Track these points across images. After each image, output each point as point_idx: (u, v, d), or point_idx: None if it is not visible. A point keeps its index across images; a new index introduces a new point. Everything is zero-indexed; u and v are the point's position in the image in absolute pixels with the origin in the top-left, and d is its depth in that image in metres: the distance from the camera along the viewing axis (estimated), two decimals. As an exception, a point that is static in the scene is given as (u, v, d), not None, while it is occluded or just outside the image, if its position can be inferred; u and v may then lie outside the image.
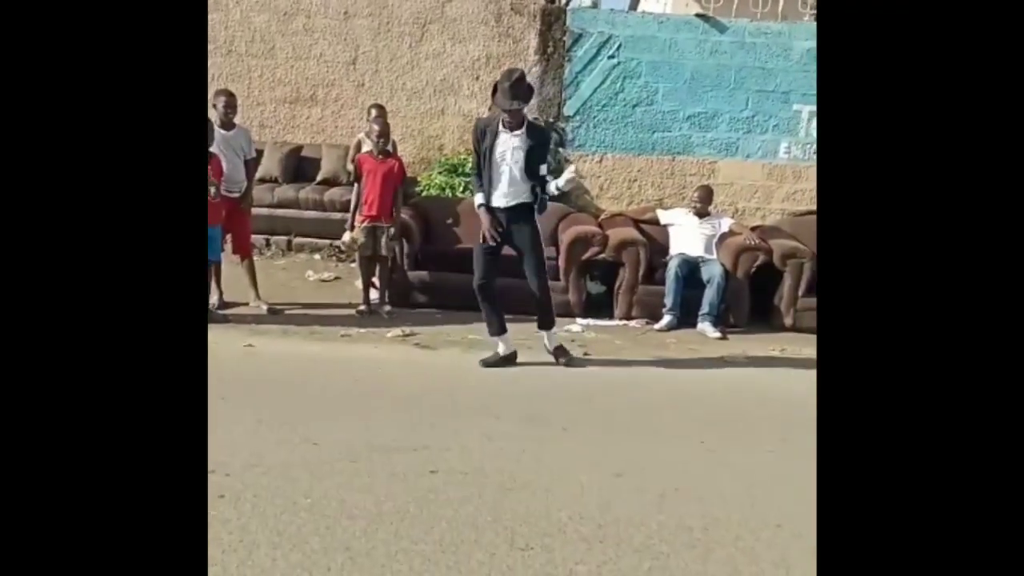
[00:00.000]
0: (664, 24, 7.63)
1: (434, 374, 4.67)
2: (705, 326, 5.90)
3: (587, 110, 7.64)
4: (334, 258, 7.26)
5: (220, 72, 7.90)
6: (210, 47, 7.88)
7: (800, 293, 6.02)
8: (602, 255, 6.14)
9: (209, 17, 7.82)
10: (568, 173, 4.84)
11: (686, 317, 5.98)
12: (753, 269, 6.08)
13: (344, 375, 4.50)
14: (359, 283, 6.03)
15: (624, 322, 6.08)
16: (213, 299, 5.61)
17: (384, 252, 5.84)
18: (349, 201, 6.07)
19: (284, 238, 7.46)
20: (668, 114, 7.60)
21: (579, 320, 5.99)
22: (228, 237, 5.81)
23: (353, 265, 6.37)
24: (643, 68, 7.54)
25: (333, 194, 7.27)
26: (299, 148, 7.79)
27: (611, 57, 7.54)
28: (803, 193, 7.53)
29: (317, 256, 7.38)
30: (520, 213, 4.71)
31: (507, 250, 4.83)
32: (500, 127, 4.63)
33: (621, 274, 6.16)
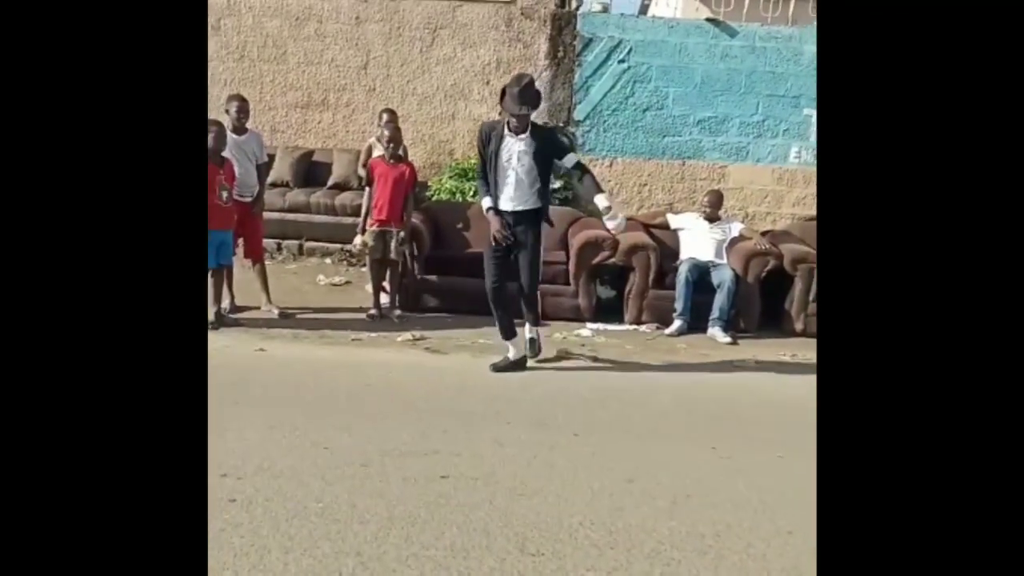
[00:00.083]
0: (674, 29, 7.63)
1: (444, 378, 4.67)
2: (715, 331, 5.89)
3: (597, 114, 7.65)
4: (345, 262, 7.29)
5: (232, 77, 7.95)
6: (223, 52, 7.94)
7: (811, 298, 6.00)
8: (612, 259, 6.14)
9: (222, 22, 7.89)
10: (617, 217, 4.75)
11: (696, 322, 5.97)
12: (763, 274, 6.06)
13: (355, 379, 4.51)
14: (369, 287, 6.04)
15: (634, 327, 6.07)
16: (225, 303, 5.63)
17: (394, 256, 5.85)
18: (360, 206, 6.09)
19: (295, 242, 7.49)
20: (678, 118, 7.60)
21: (589, 324, 5.99)
22: (240, 241, 5.83)
23: (364, 269, 6.39)
24: (653, 72, 7.55)
25: (344, 198, 7.30)
26: (310, 153, 7.82)
27: (621, 62, 7.55)
28: (813, 198, 7.50)
29: (328, 260, 7.41)
30: (526, 217, 4.72)
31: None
32: (505, 131, 4.64)
33: (631, 278, 6.16)
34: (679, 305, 5.98)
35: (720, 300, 5.92)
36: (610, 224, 4.73)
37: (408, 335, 5.45)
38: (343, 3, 7.82)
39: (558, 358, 5.15)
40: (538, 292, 4.91)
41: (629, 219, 6.82)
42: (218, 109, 6.49)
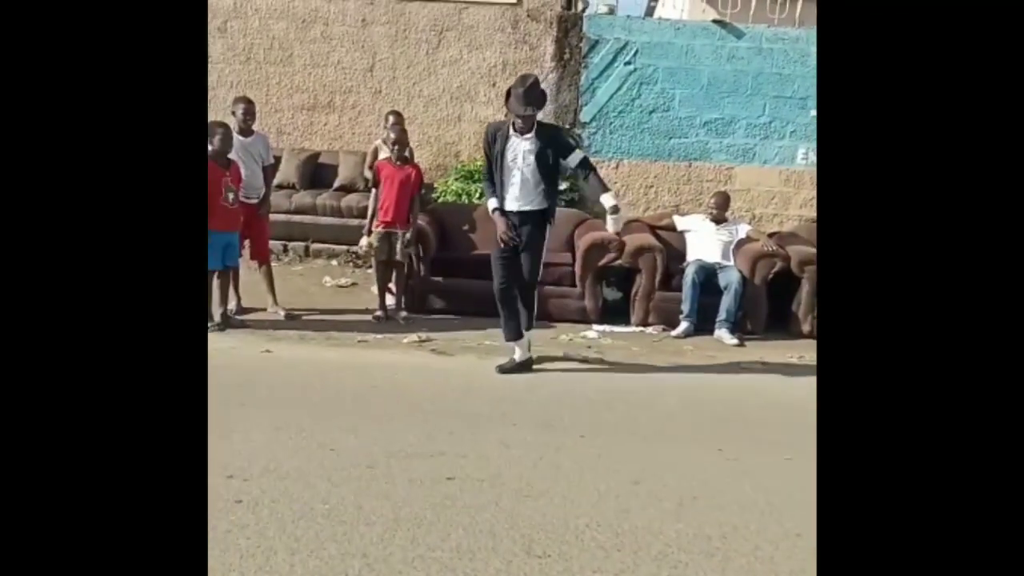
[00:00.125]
0: (681, 30, 7.63)
1: (450, 380, 4.67)
2: (722, 333, 5.87)
3: (604, 116, 7.64)
4: (351, 264, 7.29)
5: (239, 79, 7.98)
6: (229, 54, 7.97)
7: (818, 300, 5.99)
8: (619, 261, 6.13)
9: (228, 25, 7.91)
10: (616, 217, 4.77)
11: (703, 324, 5.96)
12: (771, 276, 6.05)
13: (361, 381, 4.51)
14: (375, 289, 6.05)
15: (641, 328, 6.06)
16: (231, 305, 5.64)
17: (400, 258, 5.86)
18: (366, 207, 6.10)
19: (301, 244, 7.50)
20: (685, 120, 7.59)
21: (595, 326, 5.98)
22: (246, 243, 5.84)
23: (370, 271, 6.39)
24: (660, 74, 7.54)
25: (350, 200, 7.31)
26: (316, 155, 7.84)
27: (628, 63, 7.55)
28: (821, 199, 7.48)
29: (334, 262, 7.41)
30: (532, 218, 4.72)
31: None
32: (511, 131, 4.65)
33: (638, 280, 6.15)
34: (686, 307, 5.97)
35: (727, 302, 5.91)
36: (610, 224, 4.74)
37: (414, 337, 5.45)
38: (349, 5, 7.84)
39: (550, 359, 5.11)
40: (536, 293, 4.90)
41: (635, 221, 6.86)
42: (224, 111, 6.51)
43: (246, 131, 5.70)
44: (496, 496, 3.06)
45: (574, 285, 6.14)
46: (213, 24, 7.93)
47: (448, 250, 6.38)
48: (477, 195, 7.10)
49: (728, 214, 6.47)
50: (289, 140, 7.98)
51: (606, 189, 4.80)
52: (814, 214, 7.42)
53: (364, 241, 6.01)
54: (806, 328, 6.03)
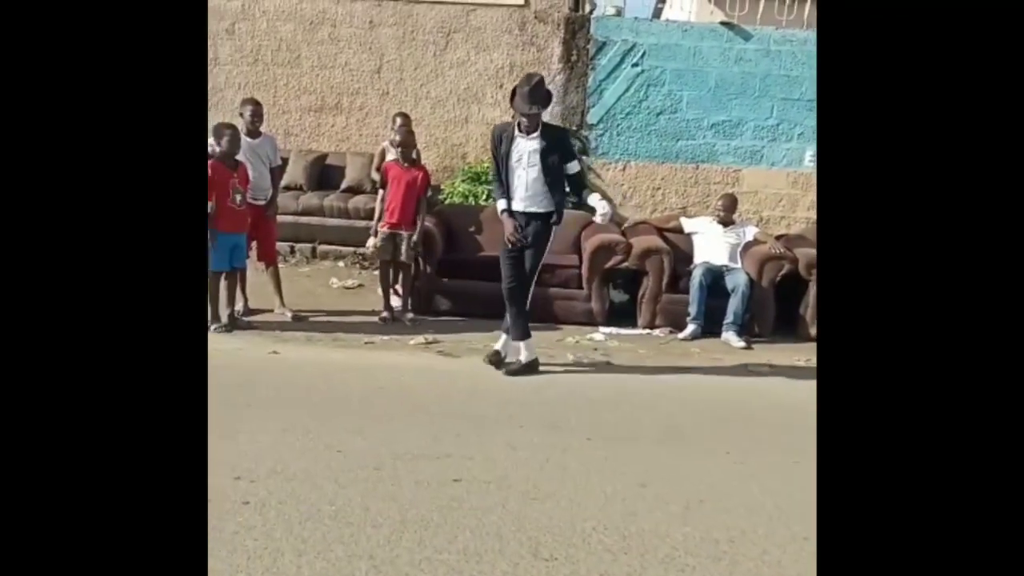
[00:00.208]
0: (688, 32, 7.62)
1: (457, 382, 4.67)
2: (729, 336, 5.86)
3: (611, 118, 7.64)
4: (358, 265, 7.30)
5: (247, 81, 8.00)
6: (237, 56, 7.99)
7: (826, 302, 5.95)
8: (625, 263, 6.12)
9: (236, 27, 7.93)
10: (603, 209, 4.85)
11: (710, 326, 5.94)
12: (778, 278, 6.03)
13: (368, 382, 4.51)
14: (380, 290, 6.06)
15: (648, 331, 6.05)
16: (238, 306, 5.65)
17: (405, 259, 5.86)
18: (373, 209, 6.10)
19: (308, 245, 7.50)
20: (692, 122, 7.57)
21: (602, 328, 5.97)
22: (253, 244, 5.85)
23: (376, 272, 6.39)
24: (667, 76, 7.53)
25: (357, 202, 7.31)
26: (324, 156, 7.84)
27: (635, 65, 7.54)
28: (829, 202, 7.46)
29: (341, 263, 7.42)
30: (538, 219, 4.73)
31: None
32: (516, 131, 4.66)
33: (645, 283, 6.14)
34: (693, 309, 5.95)
35: (734, 304, 5.89)
36: (598, 216, 4.72)
37: (420, 338, 5.45)
38: (357, 7, 7.85)
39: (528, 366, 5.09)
40: (530, 293, 4.89)
41: (642, 223, 6.85)
42: (232, 113, 6.53)
43: (254, 132, 5.71)
44: (503, 498, 3.05)
45: (581, 287, 6.13)
46: (221, 26, 7.95)
47: (455, 252, 6.38)
48: (484, 197, 7.10)
49: (735, 216, 6.45)
50: (296, 141, 8.00)
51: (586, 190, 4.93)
52: (822, 216, 7.39)
53: (371, 242, 6.01)
54: (813, 331, 6.00)
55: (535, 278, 4.88)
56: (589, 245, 6.15)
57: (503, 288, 4.81)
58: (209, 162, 5.31)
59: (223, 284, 5.44)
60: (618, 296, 6.49)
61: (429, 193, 6.00)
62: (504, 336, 4.94)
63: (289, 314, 5.76)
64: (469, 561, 2.58)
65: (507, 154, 4.67)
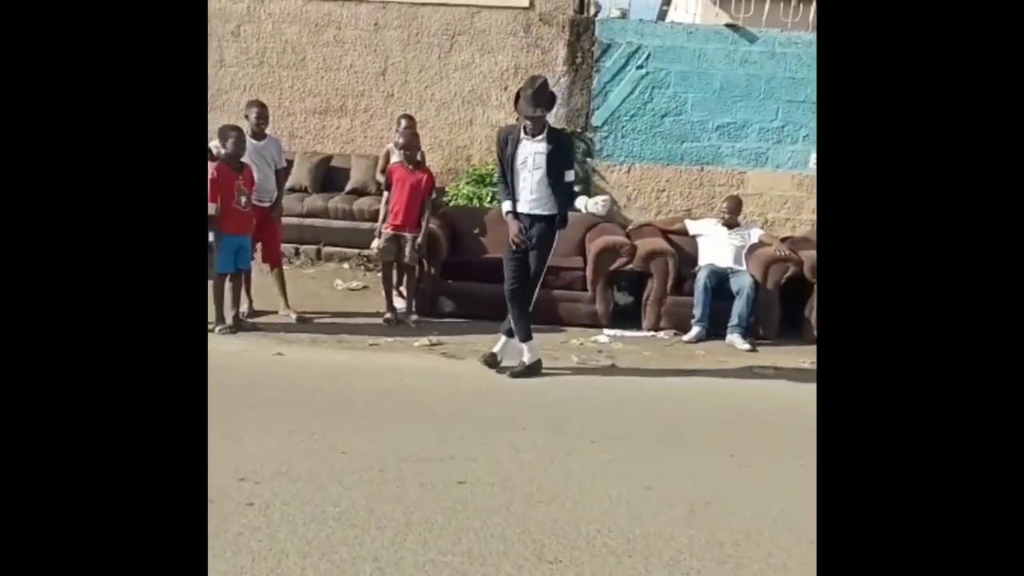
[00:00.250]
0: (693, 34, 7.61)
1: (461, 383, 4.67)
2: (734, 338, 5.85)
3: (615, 120, 7.63)
4: (362, 267, 7.31)
5: (252, 83, 8.01)
6: (242, 58, 8.01)
7: (831, 305, 5.94)
8: (630, 265, 6.12)
9: (242, 29, 7.95)
10: (602, 199, 4.83)
11: (715, 328, 5.93)
12: (783, 280, 6.02)
13: (372, 384, 4.51)
14: (383, 291, 6.07)
15: (652, 333, 6.04)
16: (243, 307, 5.66)
17: (409, 261, 5.86)
18: (378, 211, 6.11)
19: (313, 247, 7.51)
20: (697, 124, 7.57)
21: (606, 330, 5.97)
22: (258, 246, 5.86)
23: (380, 274, 6.40)
24: (672, 78, 7.52)
25: (362, 204, 7.32)
26: (329, 158, 7.85)
27: (640, 67, 7.54)
28: (834, 204, 7.44)
29: (346, 265, 7.43)
30: (543, 221, 4.73)
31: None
32: (521, 134, 4.66)
33: (649, 285, 6.13)
34: (697, 311, 5.94)
35: (739, 307, 5.88)
36: (594, 205, 4.77)
37: (425, 340, 5.45)
38: (362, 10, 7.86)
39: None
40: (533, 295, 4.89)
41: (647, 225, 6.85)
42: (238, 115, 6.54)
43: (259, 134, 5.72)
44: (507, 501, 3.05)
45: (585, 289, 6.13)
46: (227, 28, 7.97)
47: (459, 254, 6.38)
48: (488, 199, 7.10)
49: (740, 218, 6.45)
50: (301, 143, 8.01)
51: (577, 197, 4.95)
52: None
53: (375, 244, 6.02)
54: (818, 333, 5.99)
55: (540, 280, 4.89)
56: (594, 247, 6.15)
57: (505, 289, 4.82)
58: (214, 164, 5.32)
59: (228, 286, 5.45)
60: (622, 298, 6.49)
61: (433, 195, 6.00)
62: (503, 338, 4.94)
63: (294, 316, 5.77)
64: (473, 563, 2.58)
65: (512, 156, 4.68)
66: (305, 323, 5.71)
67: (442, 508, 2.94)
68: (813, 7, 7.60)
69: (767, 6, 7.70)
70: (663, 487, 3.28)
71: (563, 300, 6.09)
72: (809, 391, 4.87)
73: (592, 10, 7.89)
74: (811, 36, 7.40)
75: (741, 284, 5.94)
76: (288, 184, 6.74)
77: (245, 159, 5.47)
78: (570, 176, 4.78)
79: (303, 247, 7.48)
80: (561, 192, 4.75)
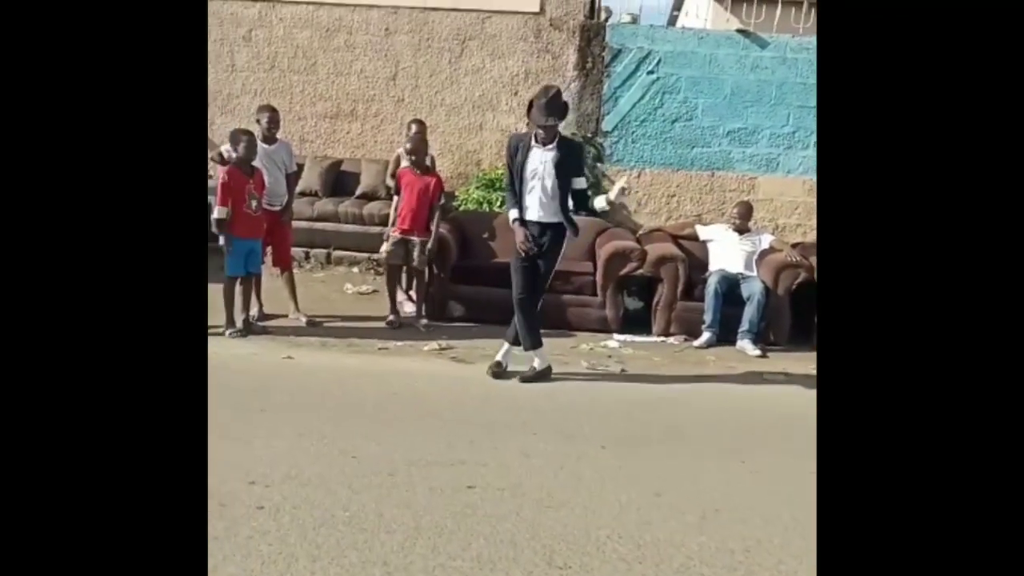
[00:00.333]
0: (704, 39, 7.60)
1: (470, 388, 4.66)
2: (745, 344, 5.83)
3: (626, 125, 7.63)
4: (372, 271, 7.32)
5: (263, 87, 8.04)
6: (253, 63, 8.04)
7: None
8: (640, 271, 6.10)
9: (253, 33, 7.99)
10: (620, 183, 4.78)
11: (725, 334, 5.91)
12: (794, 286, 5.99)
13: (382, 388, 4.51)
14: (398, 296, 6.07)
15: (662, 338, 6.02)
16: (253, 311, 5.68)
17: (417, 265, 5.87)
18: (388, 215, 6.12)
19: (323, 251, 7.53)
20: (707, 129, 7.55)
21: (616, 336, 5.95)
22: (268, 250, 5.87)
23: (392, 278, 6.41)
24: (682, 83, 7.51)
25: (372, 208, 7.34)
26: (339, 162, 7.87)
27: (650, 72, 7.53)
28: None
29: (355, 269, 7.44)
30: (551, 229, 4.73)
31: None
32: (533, 142, 4.67)
33: (659, 290, 6.11)
34: (708, 317, 5.92)
35: (750, 312, 5.86)
36: (612, 194, 4.84)
37: (434, 344, 5.45)
38: (373, 15, 7.88)
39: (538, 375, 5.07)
40: (539, 303, 4.89)
41: (657, 230, 6.83)
42: (249, 119, 6.57)
43: (270, 139, 5.74)
44: (517, 506, 3.04)
45: (595, 294, 6.12)
46: (238, 33, 8.01)
47: (469, 258, 6.38)
48: (498, 203, 7.10)
49: (751, 224, 6.43)
50: (312, 148, 8.03)
51: (589, 199, 4.94)
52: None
53: (384, 248, 6.03)
54: (830, 340, 5.96)
55: (546, 287, 4.88)
56: (604, 252, 6.14)
57: (514, 298, 4.80)
58: (225, 168, 5.34)
59: (238, 289, 5.46)
60: (632, 303, 6.47)
61: (442, 200, 6.00)
62: (506, 345, 4.93)
63: (304, 319, 5.78)
64: (483, 568, 2.57)
65: (523, 164, 4.67)
66: (315, 327, 5.71)
67: (452, 513, 2.94)
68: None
69: (778, 11, 7.68)
70: (673, 493, 3.26)
71: (573, 305, 6.08)
72: (820, 398, 4.85)
73: (603, 15, 7.89)
74: (822, 41, 7.37)
75: (752, 290, 5.92)
76: (298, 188, 6.76)
77: (256, 163, 5.48)
78: (581, 183, 4.78)
79: (313, 251, 7.51)
80: (580, 198, 4.76)
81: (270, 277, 5.93)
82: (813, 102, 7.37)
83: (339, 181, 7.76)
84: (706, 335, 5.91)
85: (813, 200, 7.53)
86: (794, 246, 6.42)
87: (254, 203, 5.39)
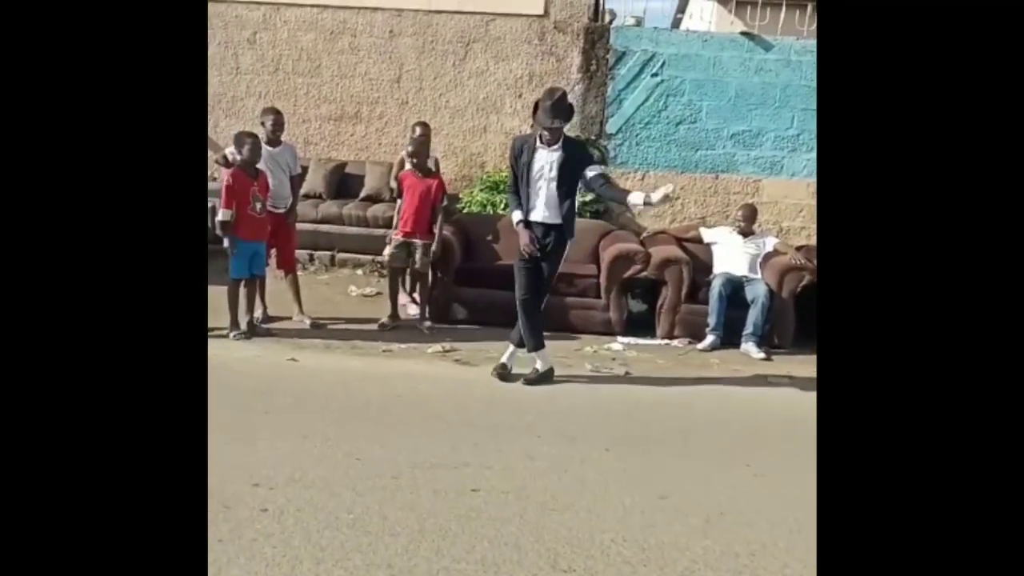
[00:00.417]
0: (708, 42, 7.60)
1: (474, 391, 4.66)
2: (749, 346, 5.81)
3: (630, 128, 7.63)
4: (376, 273, 7.32)
5: (267, 90, 8.06)
6: (258, 65, 8.06)
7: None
8: (644, 273, 6.09)
9: (257, 36, 8.01)
10: (665, 189, 4.57)
11: (730, 337, 5.90)
12: (798, 289, 5.98)
13: (386, 390, 4.51)
14: (400, 298, 6.06)
15: (666, 341, 6.02)
16: (257, 313, 5.68)
17: (420, 267, 5.87)
18: (392, 217, 6.13)
19: (327, 253, 7.54)
20: (712, 132, 7.55)
21: (620, 339, 5.94)
22: (272, 252, 5.88)
23: (395, 281, 6.41)
24: (687, 86, 7.51)
25: (376, 210, 7.34)
26: (343, 165, 7.89)
27: (654, 75, 7.53)
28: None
29: (360, 271, 7.45)
30: (555, 231, 4.72)
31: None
32: (538, 143, 4.67)
33: (663, 292, 6.11)
34: (712, 320, 5.92)
35: (754, 315, 5.85)
36: (655, 196, 4.51)
37: (438, 347, 5.45)
38: (377, 17, 7.90)
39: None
40: (543, 304, 4.89)
41: (662, 233, 6.82)
42: (253, 121, 6.57)
43: (274, 141, 5.74)
44: (521, 509, 3.04)
45: (599, 297, 6.11)
46: (243, 35, 8.03)
47: (472, 260, 6.38)
48: (502, 206, 7.10)
49: (755, 227, 6.42)
50: (316, 150, 8.04)
51: (626, 192, 4.82)
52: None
53: (387, 250, 6.03)
54: (834, 343, 5.95)
55: (549, 288, 4.88)
56: (607, 255, 6.13)
57: (517, 299, 4.80)
58: (230, 170, 5.35)
59: (242, 291, 5.46)
60: (636, 306, 6.46)
61: (445, 202, 5.99)
62: (511, 347, 4.93)
63: (308, 321, 5.78)
64: (487, 572, 2.57)
65: (528, 165, 4.67)
66: (319, 329, 5.72)
67: (456, 516, 2.94)
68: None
69: (782, 14, 7.68)
70: (678, 496, 3.26)
71: (577, 307, 6.07)
72: (825, 401, 4.83)
73: (607, 18, 7.90)
74: (827, 44, 7.37)
75: (756, 293, 5.91)
76: (303, 190, 6.77)
77: (260, 166, 5.49)
78: (596, 169, 4.75)
79: (317, 253, 7.51)
80: (573, 203, 4.74)
81: (274, 279, 5.94)
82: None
83: (343, 183, 7.77)
84: (710, 338, 5.90)
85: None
86: (798, 249, 6.41)
87: (258, 205, 5.39)
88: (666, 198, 4.51)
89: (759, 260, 6.18)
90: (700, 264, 6.23)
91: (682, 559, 2.74)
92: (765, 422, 4.43)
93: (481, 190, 7.49)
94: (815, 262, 6.06)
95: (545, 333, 4.90)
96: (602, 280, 6.09)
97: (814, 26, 7.57)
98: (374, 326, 5.86)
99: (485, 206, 7.33)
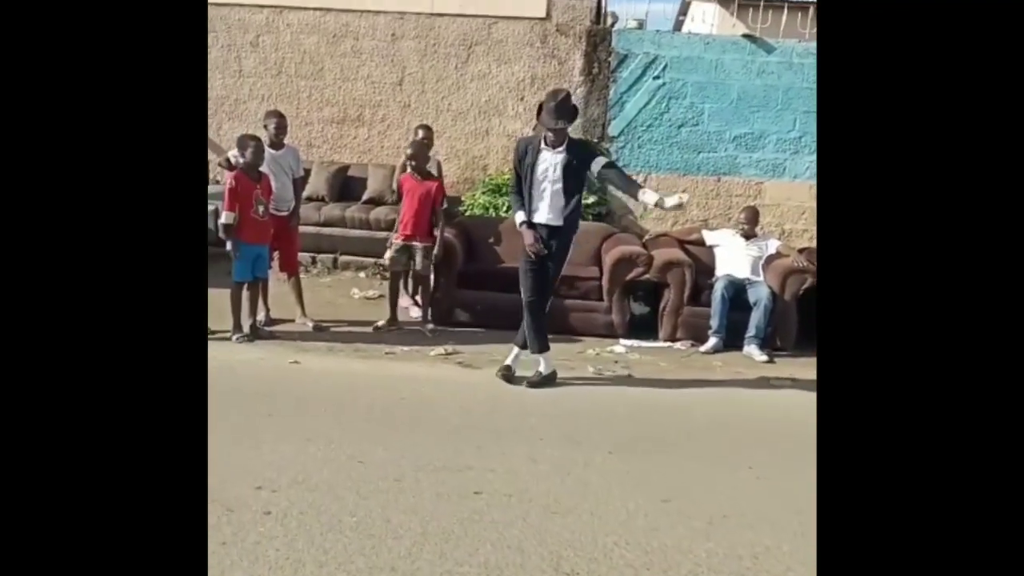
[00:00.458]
0: (710, 45, 7.61)
1: (477, 393, 4.66)
2: (751, 349, 5.81)
3: (632, 130, 7.63)
4: (379, 276, 7.32)
5: (270, 93, 8.08)
6: (261, 68, 8.08)
7: (849, 317, 5.89)
8: (647, 275, 6.09)
9: (260, 39, 8.02)
10: (679, 197, 4.59)
11: (732, 340, 5.90)
12: (800, 291, 5.97)
13: (389, 393, 4.51)
14: (402, 301, 6.06)
15: (669, 344, 6.01)
16: (260, 316, 5.68)
17: (420, 270, 5.87)
18: (394, 220, 6.13)
19: (330, 256, 7.55)
20: (714, 134, 7.56)
21: (623, 341, 5.94)
22: (275, 255, 5.89)
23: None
24: (689, 88, 7.52)
25: (378, 213, 7.35)
26: (346, 168, 7.90)
27: (656, 78, 7.54)
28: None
29: (362, 274, 7.45)
30: (559, 232, 4.73)
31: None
32: (542, 144, 4.67)
33: (666, 295, 6.11)
34: (715, 322, 5.91)
35: (756, 318, 5.85)
36: (669, 201, 4.55)
37: (441, 349, 5.45)
38: (379, 20, 7.91)
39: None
40: (547, 305, 4.90)
41: (664, 235, 6.82)
42: (256, 124, 6.59)
43: (277, 144, 5.75)
44: (524, 512, 3.04)
45: (601, 299, 6.11)
46: (245, 38, 8.05)
47: (475, 263, 6.38)
48: (504, 208, 7.11)
49: (758, 229, 6.42)
50: (319, 153, 8.06)
51: (639, 186, 4.83)
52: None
53: (388, 254, 6.04)
54: (837, 345, 5.94)
55: (550, 294, 4.88)
56: (610, 257, 6.13)
57: (524, 301, 4.81)
58: (233, 173, 5.36)
59: (245, 294, 5.47)
60: (639, 308, 6.45)
61: (444, 205, 5.99)
62: (516, 349, 4.93)
63: (310, 324, 5.78)
64: (490, 574, 2.57)
65: (532, 167, 4.68)
66: (322, 332, 5.72)
67: (459, 519, 2.94)
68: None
69: (784, 16, 7.70)
70: (681, 499, 3.26)
71: (579, 310, 6.07)
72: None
73: (609, 21, 7.91)
74: (829, 46, 7.37)
75: (758, 295, 5.91)
76: (305, 193, 6.78)
77: (263, 168, 5.50)
78: (600, 161, 4.73)
79: (320, 256, 7.52)
80: (578, 204, 4.75)
81: (277, 282, 5.94)
82: (820, 107, 7.37)
83: (346, 186, 7.78)
84: (713, 340, 5.90)
85: (820, 205, 7.53)
86: (801, 251, 6.41)
87: (261, 208, 5.40)
88: (679, 206, 4.60)
89: (761, 263, 6.18)
90: (702, 267, 6.23)
91: (685, 562, 2.74)
92: (768, 424, 4.43)
93: (483, 193, 7.50)
94: (816, 264, 6.07)
95: (549, 335, 4.90)
96: (604, 283, 6.09)
97: (815, 28, 7.57)
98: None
99: (487, 209, 7.33)
